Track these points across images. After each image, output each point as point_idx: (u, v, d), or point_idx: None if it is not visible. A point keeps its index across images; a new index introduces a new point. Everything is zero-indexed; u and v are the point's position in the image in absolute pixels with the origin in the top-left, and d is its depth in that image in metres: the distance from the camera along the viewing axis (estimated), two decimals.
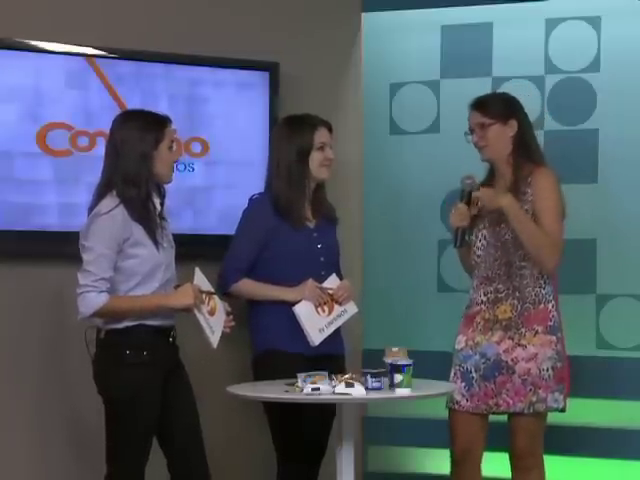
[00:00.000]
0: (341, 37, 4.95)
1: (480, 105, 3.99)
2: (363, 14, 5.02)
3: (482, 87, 4.58)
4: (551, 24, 4.90)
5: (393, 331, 4.96)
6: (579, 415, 4.73)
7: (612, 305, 4.82)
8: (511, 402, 3.88)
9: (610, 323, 4.82)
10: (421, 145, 5.03)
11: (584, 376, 4.72)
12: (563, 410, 3.93)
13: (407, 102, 5.06)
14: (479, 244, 3.99)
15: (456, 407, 3.97)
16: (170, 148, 3.76)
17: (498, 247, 3.94)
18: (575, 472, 4.76)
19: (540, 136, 4.87)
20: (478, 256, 3.99)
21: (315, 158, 4.15)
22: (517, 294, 3.91)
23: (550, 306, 3.91)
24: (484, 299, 3.96)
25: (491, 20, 4.96)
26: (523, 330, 3.89)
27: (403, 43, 5.05)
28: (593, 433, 4.73)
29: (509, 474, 3.99)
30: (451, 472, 4.05)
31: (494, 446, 4.01)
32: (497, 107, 3.97)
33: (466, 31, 4.99)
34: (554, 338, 3.89)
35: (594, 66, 4.84)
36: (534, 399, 3.87)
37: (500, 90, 4.66)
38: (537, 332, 3.88)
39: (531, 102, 4.87)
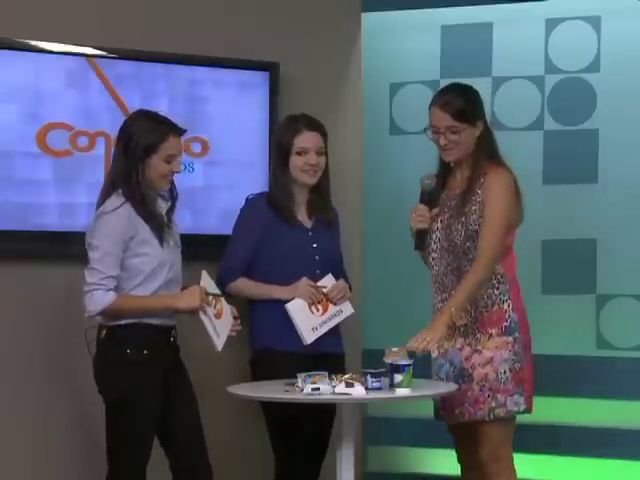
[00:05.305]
0: (341, 37, 4.95)
1: (448, 106, 3.83)
2: (363, 14, 5.01)
3: (482, 87, 4.57)
4: (551, 24, 4.90)
5: (393, 331, 4.95)
6: (579, 415, 4.74)
7: (612, 305, 4.82)
8: (472, 410, 3.78)
9: (610, 323, 4.82)
10: (421, 145, 5.02)
11: (584, 376, 4.73)
12: (527, 412, 3.80)
13: (407, 102, 5.06)
14: (433, 246, 3.90)
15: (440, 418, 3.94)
16: (168, 162, 3.73)
17: (450, 251, 3.83)
18: (575, 472, 4.76)
19: (540, 136, 4.90)
20: (433, 259, 3.90)
21: (294, 163, 4.09)
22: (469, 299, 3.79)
23: (506, 306, 3.78)
24: (440, 306, 3.85)
25: (491, 20, 4.97)
26: (478, 335, 3.78)
27: (403, 43, 5.06)
28: (593, 433, 4.73)
29: None
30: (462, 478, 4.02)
31: None
32: (466, 109, 3.83)
33: (466, 31, 4.99)
34: (510, 339, 3.76)
35: (594, 66, 4.85)
36: (493, 404, 3.75)
37: (500, 90, 4.65)
38: (491, 335, 3.76)
39: (531, 102, 4.90)
